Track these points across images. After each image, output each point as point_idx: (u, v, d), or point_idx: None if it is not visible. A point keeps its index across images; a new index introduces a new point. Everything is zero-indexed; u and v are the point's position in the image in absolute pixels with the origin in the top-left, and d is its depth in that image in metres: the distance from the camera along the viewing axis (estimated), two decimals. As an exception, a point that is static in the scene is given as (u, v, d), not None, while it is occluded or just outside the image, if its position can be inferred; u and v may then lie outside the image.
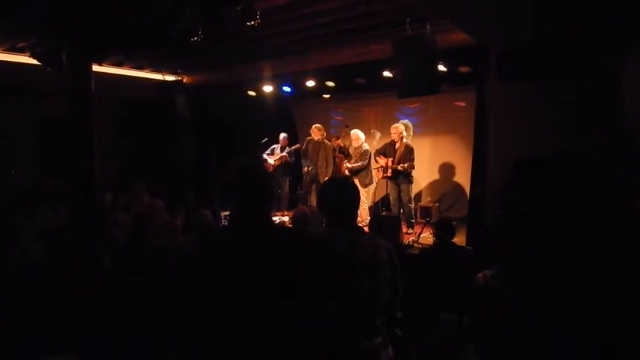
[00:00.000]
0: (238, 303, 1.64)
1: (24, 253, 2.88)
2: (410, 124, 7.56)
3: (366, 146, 7.42)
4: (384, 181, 7.13)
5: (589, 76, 4.09)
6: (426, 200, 8.28)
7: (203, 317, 1.65)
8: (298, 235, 2.24)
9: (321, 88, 7.71)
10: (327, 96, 8.85)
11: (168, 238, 3.51)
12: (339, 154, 7.88)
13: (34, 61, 5.20)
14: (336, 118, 9.87)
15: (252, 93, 8.12)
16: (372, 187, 7.60)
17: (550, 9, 3.58)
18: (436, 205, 7.61)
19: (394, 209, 7.07)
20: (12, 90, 7.35)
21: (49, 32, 4.85)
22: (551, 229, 0.90)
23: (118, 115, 8.54)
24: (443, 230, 4.31)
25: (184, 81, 8.13)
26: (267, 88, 7.86)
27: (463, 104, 8.10)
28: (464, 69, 6.16)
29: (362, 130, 7.65)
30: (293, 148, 8.39)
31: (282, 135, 8.51)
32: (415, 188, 7.56)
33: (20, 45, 5.86)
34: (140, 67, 7.54)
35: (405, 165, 6.69)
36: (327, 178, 7.43)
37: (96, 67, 4.32)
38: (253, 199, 1.75)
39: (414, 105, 8.69)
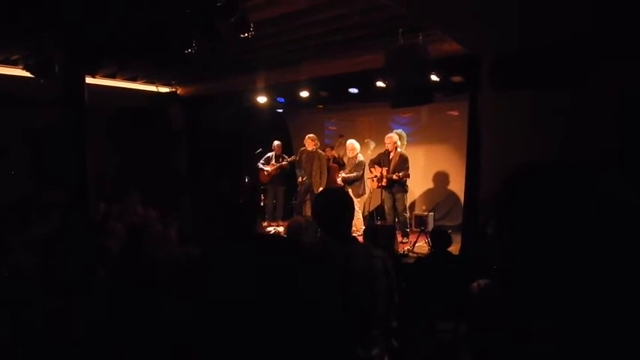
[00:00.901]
0: (236, 314, 1.63)
1: (16, 264, 2.85)
2: (403, 134, 7.60)
3: (360, 157, 7.43)
4: (379, 190, 7.15)
5: (582, 84, 4.13)
6: (420, 209, 8.28)
7: (201, 326, 1.64)
8: (293, 244, 2.23)
9: (314, 98, 7.74)
10: (321, 106, 8.88)
11: (163, 248, 3.48)
12: (334, 164, 7.89)
13: (27, 73, 5.20)
14: (330, 127, 9.90)
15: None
16: (365, 197, 7.61)
17: (542, 18, 3.62)
18: (431, 213, 7.62)
19: (389, 218, 7.07)
20: (4, 101, 7.32)
21: (42, 43, 4.85)
22: (548, 235, 0.91)
23: (112, 126, 8.52)
24: (439, 239, 4.32)
25: (178, 92, 8.14)
26: (262, 99, 7.88)
27: (456, 113, 8.15)
28: (456, 78, 6.21)
29: (356, 140, 7.67)
30: (289, 160, 8.37)
31: (276, 142, 8.49)
32: (409, 197, 7.57)
33: (13, 57, 5.85)
34: (133, 79, 7.54)
35: (401, 174, 6.71)
36: (321, 188, 7.44)
37: (89, 79, 4.32)
38: (238, 218, 1.79)
39: (408, 114, 8.74)
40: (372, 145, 8.08)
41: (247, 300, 1.66)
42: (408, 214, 7.13)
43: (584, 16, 3.52)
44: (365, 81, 6.64)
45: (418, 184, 8.52)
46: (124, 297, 2.45)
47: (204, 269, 1.76)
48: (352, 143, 7.49)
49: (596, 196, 0.92)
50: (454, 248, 5.34)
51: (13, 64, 5.99)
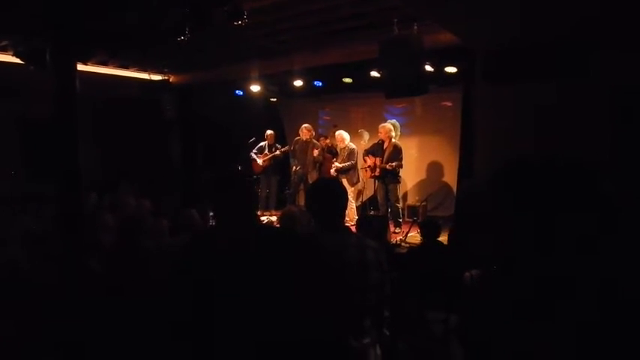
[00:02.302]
0: (231, 303, 1.63)
1: (9, 258, 2.82)
2: (397, 124, 7.60)
3: (352, 146, 7.44)
4: (372, 180, 7.16)
5: (575, 78, 4.14)
6: (413, 199, 8.33)
7: (196, 318, 1.65)
8: (288, 235, 2.23)
9: (308, 88, 7.72)
10: (315, 95, 8.86)
11: (156, 239, 3.47)
12: (328, 154, 7.89)
13: (15, 60, 5.12)
14: (324, 117, 9.89)
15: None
16: (359, 185, 7.63)
17: (536, 10, 3.62)
18: (423, 204, 7.66)
19: (382, 209, 7.10)
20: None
21: (32, 30, 4.78)
22: (542, 228, 0.92)
23: (103, 115, 8.44)
24: (429, 229, 4.34)
25: (171, 80, 8.07)
26: (255, 88, 7.84)
27: (450, 104, 8.16)
28: (451, 69, 6.21)
29: (349, 130, 7.68)
30: (283, 150, 8.36)
31: (268, 132, 8.45)
32: (402, 188, 7.60)
33: (2, 43, 5.76)
34: (125, 67, 7.46)
35: (394, 164, 6.72)
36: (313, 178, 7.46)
37: (80, 67, 4.26)
38: (236, 205, 1.78)
39: (401, 105, 8.73)
40: (366, 135, 8.08)
41: (245, 289, 1.67)
42: (400, 205, 7.16)
43: (579, 10, 3.52)
44: (359, 71, 6.63)
45: (411, 175, 8.55)
46: (119, 290, 2.44)
47: (205, 257, 1.77)
48: (341, 134, 7.50)
49: (589, 190, 0.92)
50: (446, 239, 5.38)
51: (2, 50, 5.89)
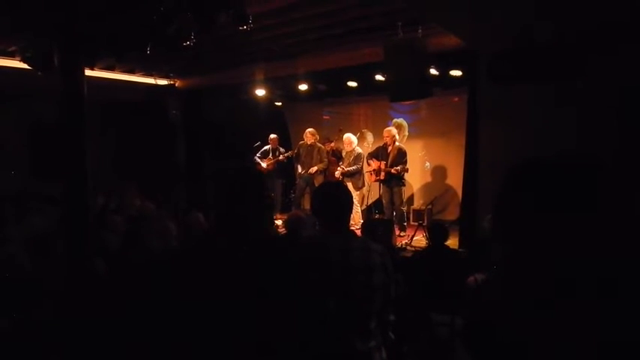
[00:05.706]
0: (229, 307, 1.63)
1: (10, 256, 2.84)
2: (404, 124, 7.60)
3: (358, 149, 7.44)
4: (377, 184, 7.16)
5: (581, 79, 4.13)
6: (418, 203, 8.31)
7: (194, 323, 1.65)
8: (287, 243, 2.23)
9: (313, 91, 7.73)
10: (320, 99, 8.88)
11: (161, 241, 3.48)
12: (332, 158, 7.90)
13: (23, 65, 5.16)
14: (328, 119, 9.89)
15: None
16: (365, 189, 7.63)
17: (539, 11, 3.62)
18: (428, 207, 7.64)
19: (387, 212, 7.09)
20: (2, 93, 7.27)
21: (39, 35, 4.82)
22: (549, 230, 0.91)
23: (110, 118, 8.49)
24: (437, 233, 4.33)
25: (176, 85, 8.12)
26: (260, 92, 7.87)
27: (455, 107, 8.14)
28: (455, 72, 6.21)
29: (354, 133, 7.68)
30: (287, 154, 8.37)
31: (272, 136, 8.44)
32: (407, 191, 7.59)
33: (10, 49, 5.82)
34: (132, 71, 7.51)
35: (398, 167, 6.72)
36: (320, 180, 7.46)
37: (87, 72, 4.29)
38: (246, 207, 1.75)
39: (407, 105, 8.71)
40: (370, 136, 8.07)
41: (244, 292, 1.67)
42: (405, 208, 7.15)
43: (582, 10, 3.51)
44: (364, 74, 6.64)
45: (416, 178, 8.53)
46: (125, 291, 2.45)
47: (197, 268, 1.77)
48: (349, 137, 7.50)
49: (598, 192, 0.92)
50: (451, 242, 5.36)
51: (10, 55, 5.95)
